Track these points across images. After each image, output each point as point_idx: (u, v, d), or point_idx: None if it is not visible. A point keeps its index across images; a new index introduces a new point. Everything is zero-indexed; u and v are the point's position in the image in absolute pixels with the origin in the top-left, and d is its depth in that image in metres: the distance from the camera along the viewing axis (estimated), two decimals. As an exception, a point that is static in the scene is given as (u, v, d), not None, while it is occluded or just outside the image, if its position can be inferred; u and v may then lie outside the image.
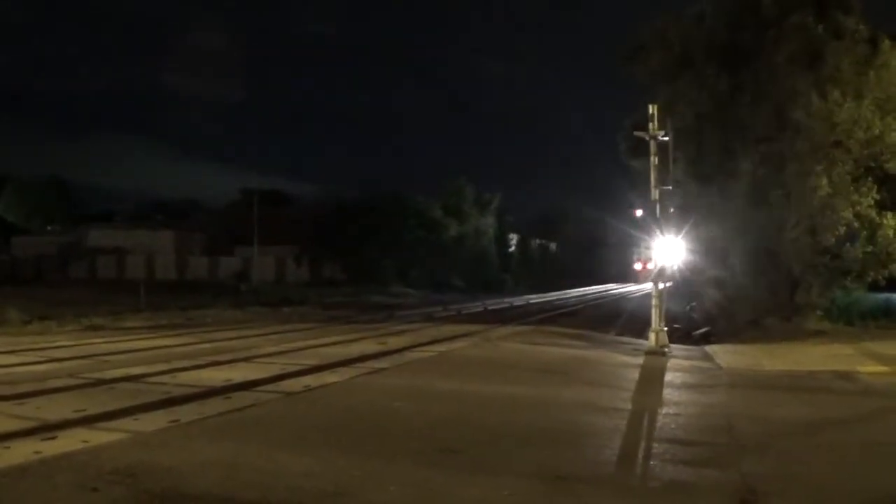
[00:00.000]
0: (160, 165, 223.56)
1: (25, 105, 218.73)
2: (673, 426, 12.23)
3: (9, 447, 9.40)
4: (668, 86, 31.59)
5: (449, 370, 18.62)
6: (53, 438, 9.86)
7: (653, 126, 24.60)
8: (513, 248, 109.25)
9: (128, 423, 11.00)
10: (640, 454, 10.10)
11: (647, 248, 24.00)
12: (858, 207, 28.16)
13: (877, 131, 27.44)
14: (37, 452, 9.08)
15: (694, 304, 44.59)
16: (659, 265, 23.86)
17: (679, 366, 21.10)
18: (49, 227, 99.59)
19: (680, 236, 26.02)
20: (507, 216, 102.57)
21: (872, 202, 28.30)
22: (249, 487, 7.95)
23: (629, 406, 14.04)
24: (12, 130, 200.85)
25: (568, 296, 76.92)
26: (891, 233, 28.30)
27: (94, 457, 8.93)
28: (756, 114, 29.63)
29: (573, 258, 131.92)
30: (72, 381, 14.95)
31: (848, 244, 28.55)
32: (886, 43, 27.59)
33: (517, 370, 19.08)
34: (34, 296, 42.73)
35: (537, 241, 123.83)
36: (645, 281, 25.47)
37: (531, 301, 63.65)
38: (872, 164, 28.39)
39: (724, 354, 23.62)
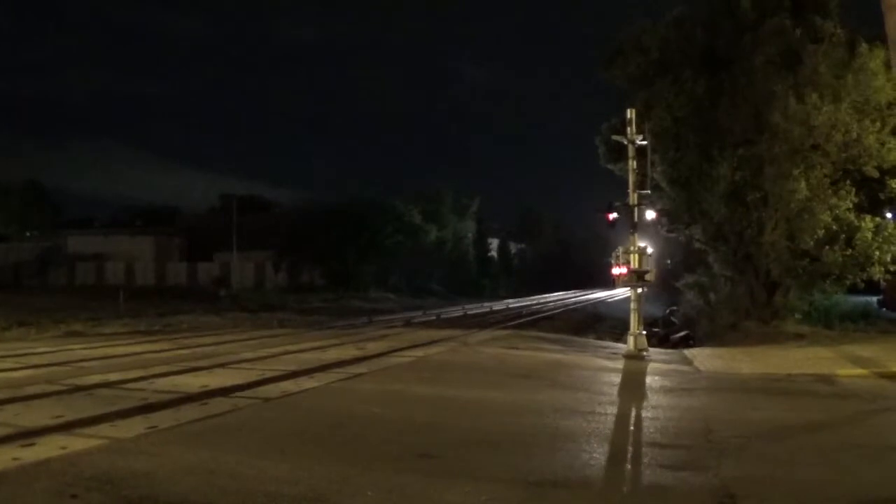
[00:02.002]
0: (140, 171, 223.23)
1: (3, 110, 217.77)
2: (651, 430, 12.24)
3: (-13, 454, 9.35)
4: (646, 90, 31.71)
5: (427, 375, 18.57)
6: (32, 445, 9.80)
7: (631, 130, 24.63)
8: (492, 253, 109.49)
9: (106, 429, 10.94)
10: (618, 458, 10.08)
11: (626, 252, 24.00)
12: (837, 210, 28.33)
13: (854, 134, 27.62)
14: (15, 459, 9.02)
15: (674, 307, 44.82)
16: (637, 269, 23.88)
17: (658, 369, 21.14)
18: (28, 234, 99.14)
19: (658, 240, 26.10)
20: (487, 221, 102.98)
21: (851, 205, 28.48)
22: (227, 494, 7.92)
23: (607, 410, 14.04)
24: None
25: (547, 300, 77.17)
26: (869, 235, 28.45)
27: (72, 463, 8.88)
28: (734, 117, 29.79)
29: (552, 263, 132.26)
30: (50, 388, 14.88)
31: (826, 247, 28.63)
32: (864, 46, 27.73)
33: (496, 375, 19.06)
34: (13, 302, 42.63)
35: (517, 245, 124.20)
36: (623, 286, 25.48)
37: (510, 305, 63.96)
38: (850, 167, 28.57)
39: (703, 358, 23.67)
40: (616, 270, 24.00)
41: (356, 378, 17.37)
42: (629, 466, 9.73)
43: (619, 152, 27.85)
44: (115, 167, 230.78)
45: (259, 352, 22.67)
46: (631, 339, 24.18)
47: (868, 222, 28.63)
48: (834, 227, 28.48)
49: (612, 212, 24.58)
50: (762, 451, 10.60)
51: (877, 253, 28.64)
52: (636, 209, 24.49)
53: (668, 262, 42.74)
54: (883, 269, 28.98)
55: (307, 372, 17.76)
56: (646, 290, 25.17)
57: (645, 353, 23.78)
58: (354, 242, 75.53)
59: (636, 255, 23.85)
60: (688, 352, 26.31)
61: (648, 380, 19.02)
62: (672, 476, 9.13)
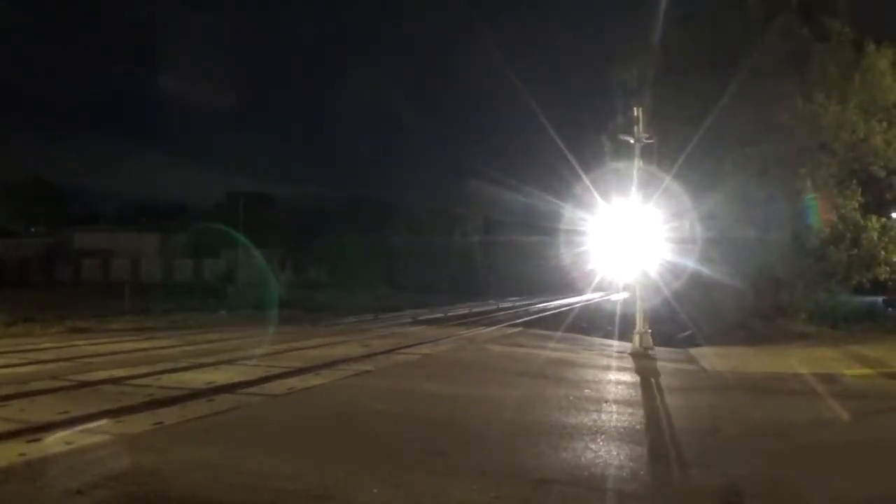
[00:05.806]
0: (146, 167, 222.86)
1: (9, 105, 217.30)
2: (658, 428, 12.23)
3: (-7, 449, 9.35)
4: (653, 88, 31.65)
5: (434, 372, 18.56)
6: (38, 440, 9.80)
7: (638, 129, 24.59)
8: (499, 252, 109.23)
9: (112, 425, 10.94)
10: (625, 456, 10.07)
11: (632, 251, 23.99)
12: (843, 210, 28.28)
13: (861, 134, 27.60)
14: (21, 454, 9.03)
15: (679, 306, 44.71)
16: (642, 268, 23.86)
17: (663, 368, 21.09)
18: (33, 229, 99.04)
19: (664, 239, 26.06)
20: (494, 219, 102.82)
21: (857, 205, 28.46)
22: (234, 490, 7.92)
23: (612, 408, 14.00)
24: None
25: (553, 301, 77.01)
26: (875, 235, 28.45)
27: (78, 459, 8.88)
28: (741, 116, 29.70)
29: (555, 262, 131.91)
30: (56, 383, 14.87)
31: (832, 247, 28.61)
32: (871, 46, 27.73)
33: (502, 372, 19.06)
34: (18, 298, 42.59)
35: (522, 243, 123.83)
36: (628, 285, 25.48)
37: (517, 304, 63.87)
38: (857, 167, 28.57)
39: (709, 356, 23.63)
40: (621, 270, 23.99)
41: (363, 375, 17.37)
42: (634, 464, 9.71)
43: (625, 151, 27.82)
44: (122, 163, 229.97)
45: (265, 348, 22.65)
46: (636, 338, 24.17)
47: (874, 222, 28.64)
48: (840, 226, 28.46)
49: (619, 211, 24.58)
50: (768, 450, 10.60)
51: (882, 253, 28.67)
52: (642, 207, 24.47)
53: (674, 260, 42.66)
54: (888, 268, 28.98)
55: (313, 369, 17.75)
56: (650, 288, 25.13)
57: (650, 352, 23.75)
58: (362, 240, 75.55)
59: (642, 254, 23.83)
60: (693, 350, 26.23)
61: (654, 378, 18.98)
62: (678, 474, 9.14)
